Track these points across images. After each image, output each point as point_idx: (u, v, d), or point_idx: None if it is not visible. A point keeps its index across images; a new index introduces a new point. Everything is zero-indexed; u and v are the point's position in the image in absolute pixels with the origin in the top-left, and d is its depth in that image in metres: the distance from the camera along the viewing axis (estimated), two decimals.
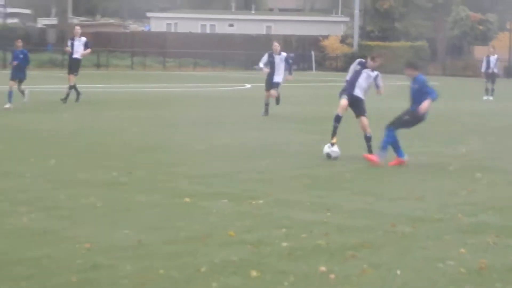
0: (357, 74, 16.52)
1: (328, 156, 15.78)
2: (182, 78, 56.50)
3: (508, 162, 16.56)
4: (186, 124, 22.96)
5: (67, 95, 28.99)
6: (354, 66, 16.72)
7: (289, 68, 26.55)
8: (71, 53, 29.99)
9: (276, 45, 26.83)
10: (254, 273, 7.64)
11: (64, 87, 30.06)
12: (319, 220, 10.18)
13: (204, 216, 10.30)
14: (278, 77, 25.98)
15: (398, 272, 7.83)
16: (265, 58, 26.38)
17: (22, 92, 26.27)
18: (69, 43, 30.48)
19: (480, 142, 20.14)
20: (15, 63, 26.05)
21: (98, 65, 69.34)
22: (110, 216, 10.18)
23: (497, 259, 8.42)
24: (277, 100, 26.66)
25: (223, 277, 7.51)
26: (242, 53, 78.33)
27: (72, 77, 29.46)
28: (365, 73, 16.45)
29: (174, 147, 17.55)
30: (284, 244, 8.83)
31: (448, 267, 8.08)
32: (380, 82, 16.70)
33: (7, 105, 25.18)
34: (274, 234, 9.28)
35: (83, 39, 30.50)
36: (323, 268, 7.86)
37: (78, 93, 29.45)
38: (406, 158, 15.45)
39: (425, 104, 15.35)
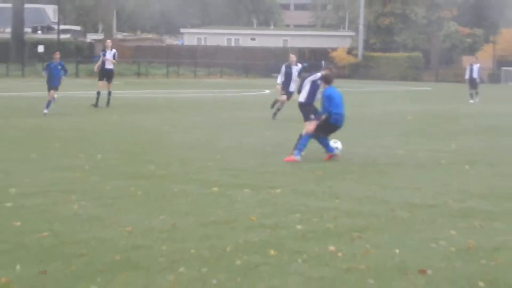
0: (317, 88, 16.12)
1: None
2: (210, 85, 56.57)
3: (493, 156, 16.49)
4: (214, 124, 22.97)
5: (108, 100, 28.97)
6: (311, 78, 16.17)
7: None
8: (104, 64, 29.55)
9: (293, 57, 26.36)
10: (272, 252, 7.65)
11: (104, 93, 29.67)
12: (329, 206, 10.18)
13: (229, 203, 10.31)
14: (293, 87, 25.49)
15: (397, 251, 7.82)
16: (282, 69, 25.68)
17: (53, 98, 25.00)
18: (101, 54, 30.24)
19: (468, 139, 20.09)
20: (44, 74, 25.11)
21: (138, 74, 69.54)
22: (148, 203, 10.21)
23: (483, 240, 8.40)
24: (274, 115, 25.71)
25: (246, 255, 7.52)
26: (262, 63, 78.45)
27: (108, 84, 29.16)
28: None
29: (204, 144, 17.55)
30: (299, 227, 8.84)
31: (440, 246, 8.06)
32: None
33: (46, 111, 24.37)
34: (290, 218, 9.29)
35: (113, 51, 30.19)
36: (332, 248, 7.87)
37: (97, 101, 28.79)
38: (300, 154, 15.06)
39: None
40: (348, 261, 7.41)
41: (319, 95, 15.88)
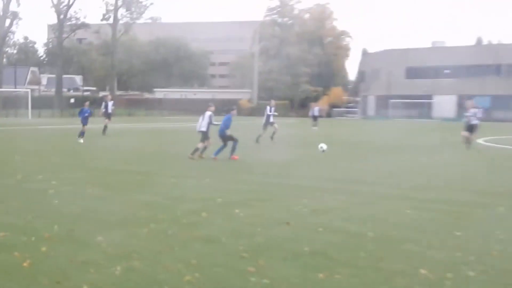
0: (207, 119, 15.77)
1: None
2: (172, 120, 55.90)
3: (333, 157, 16.59)
4: (181, 142, 22.61)
5: (104, 131, 26.96)
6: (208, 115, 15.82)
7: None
8: (106, 110, 27.61)
9: (273, 102, 23.79)
10: (204, 214, 7.65)
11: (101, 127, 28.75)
12: (237, 188, 10.16)
13: (182, 187, 10.22)
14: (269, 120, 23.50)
15: (275, 212, 7.90)
16: (267, 110, 23.21)
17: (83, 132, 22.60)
18: (103, 104, 28.04)
19: (316, 148, 20.30)
20: (86, 115, 22.86)
21: (129, 114, 68.09)
22: (140, 188, 10.03)
23: (322, 204, 8.54)
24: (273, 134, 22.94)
25: (190, 216, 7.50)
26: (201, 109, 77.68)
27: (108, 120, 27.33)
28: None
29: (174, 155, 17.30)
30: (219, 200, 8.82)
31: (298, 209, 8.19)
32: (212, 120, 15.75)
33: (81, 140, 21.93)
34: (215, 195, 9.23)
35: (112, 101, 28.54)
36: (237, 211, 7.91)
37: (104, 130, 26.87)
38: (216, 157, 15.17)
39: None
40: (246, 218, 7.47)
41: (216, 122, 15.82)
